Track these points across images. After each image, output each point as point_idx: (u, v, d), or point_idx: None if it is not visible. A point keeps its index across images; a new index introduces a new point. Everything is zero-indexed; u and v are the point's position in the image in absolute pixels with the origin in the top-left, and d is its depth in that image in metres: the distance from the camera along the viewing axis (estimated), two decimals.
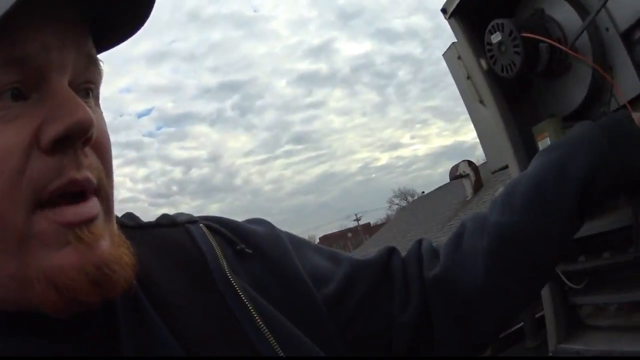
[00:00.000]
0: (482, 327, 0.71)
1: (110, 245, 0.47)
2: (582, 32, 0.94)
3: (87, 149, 0.46)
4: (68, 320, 0.45)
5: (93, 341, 0.49)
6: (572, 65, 1.00)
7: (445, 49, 1.29)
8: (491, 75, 1.08)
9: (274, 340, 0.54)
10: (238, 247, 0.62)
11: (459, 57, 1.24)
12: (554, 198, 0.67)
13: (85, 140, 0.44)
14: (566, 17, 0.98)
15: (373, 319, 0.65)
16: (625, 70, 0.95)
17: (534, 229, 0.67)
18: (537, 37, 0.94)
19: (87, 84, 0.48)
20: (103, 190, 0.48)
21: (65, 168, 0.44)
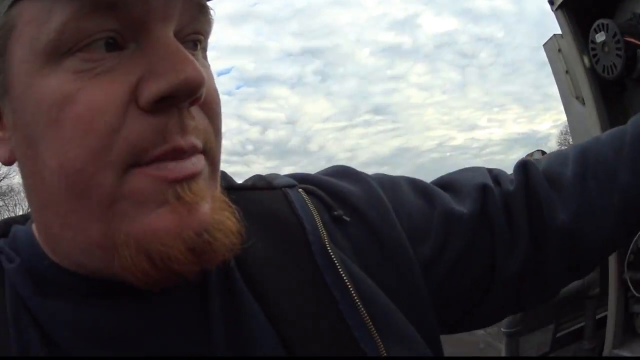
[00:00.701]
0: (589, 269, 0.74)
1: (213, 209, 0.41)
2: None
3: (194, 108, 0.39)
4: (154, 292, 0.40)
5: (180, 319, 0.44)
6: None
7: (531, 37, 1.28)
8: (592, 73, 1.05)
9: (372, 327, 0.49)
10: (336, 213, 0.56)
11: (559, 50, 1.21)
12: None
13: (192, 100, 0.38)
14: None
15: (470, 274, 0.59)
16: None
17: None
18: (638, 42, 0.92)
19: (196, 35, 0.41)
20: (210, 153, 0.42)
21: (168, 132, 0.37)
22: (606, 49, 0.94)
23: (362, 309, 0.49)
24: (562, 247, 0.61)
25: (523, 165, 0.65)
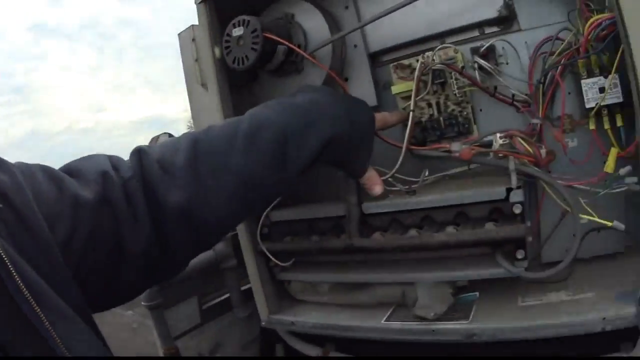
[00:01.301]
0: (212, 243, 0.90)
1: None
2: (325, 45, 1.05)
3: None
4: None
5: None
6: (305, 70, 1.09)
7: (179, 22, 1.28)
8: (220, 63, 1.11)
9: (36, 306, 0.52)
10: None
11: (193, 40, 1.26)
12: (294, 157, 0.78)
13: None
14: (315, 27, 1.09)
15: (101, 254, 0.66)
16: (363, 84, 1.13)
17: (271, 180, 0.78)
18: (278, 39, 1.00)
19: None
20: None
21: None
22: (241, 42, 0.99)
23: (25, 289, 0.52)
24: (180, 225, 0.71)
25: (137, 153, 0.74)
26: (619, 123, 0.90)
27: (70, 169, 0.70)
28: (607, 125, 0.91)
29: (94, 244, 0.64)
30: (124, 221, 0.67)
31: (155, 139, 1.76)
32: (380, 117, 0.99)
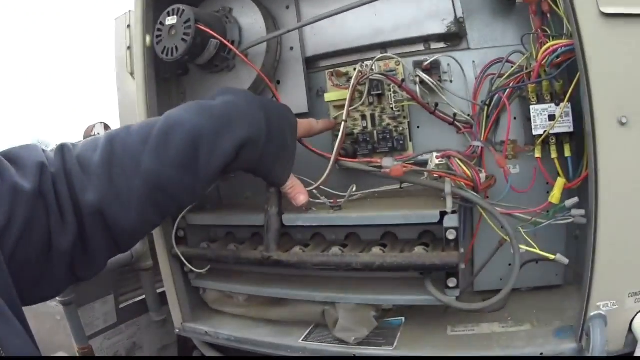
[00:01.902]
0: (129, 245, 0.83)
1: None
2: (259, 43, 0.98)
3: None
4: None
5: None
6: (237, 67, 1.02)
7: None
8: (150, 52, 1.02)
9: None
10: None
11: (129, 26, 1.19)
12: (205, 160, 0.75)
13: None
14: (252, 24, 1.01)
15: (33, 246, 0.65)
16: (295, 89, 1.07)
17: (182, 183, 0.75)
18: (211, 32, 0.92)
19: None
20: None
21: None
22: (173, 32, 0.92)
23: None
24: (96, 224, 0.70)
25: (61, 149, 0.72)
26: (567, 153, 0.87)
27: (10, 156, 0.69)
28: (554, 155, 0.88)
29: (28, 237, 0.64)
30: (54, 216, 0.67)
31: (90, 128, 1.67)
32: (306, 123, 0.94)
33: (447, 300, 0.86)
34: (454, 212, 0.83)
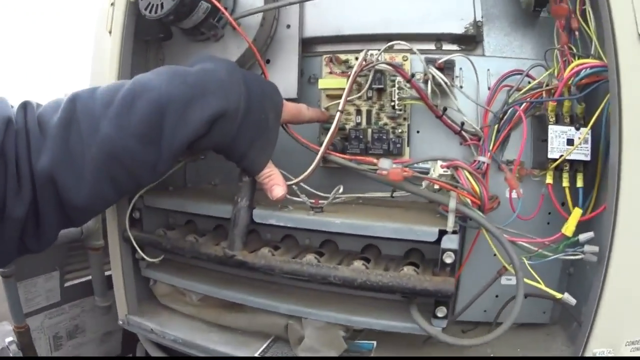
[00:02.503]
0: (82, 221, 0.73)
1: None
2: (253, 13, 0.85)
3: None
4: None
5: None
6: (225, 38, 0.89)
7: None
8: (133, 8, 0.90)
9: None
10: None
11: None
12: (170, 131, 0.65)
13: None
14: None
15: None
16: (286, 70, 0.94)
17: (141, 156, 0.65)
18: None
19: None
20: None
21: None
22: None
23: None
24: (47, 192, 0.63)
25: (24, 107, 0.66)
26: (579, 183, 0.79)
27: None
28: (566, 183, 0.79)
29: None
30: (11, 179, 0.61)
31: None
32: (293, 107, 0.82)
33: (433, 332, 0.74)
34: (454, 232, 0.71)
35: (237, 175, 0.80)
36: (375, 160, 0.76)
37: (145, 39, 0.96)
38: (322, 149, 0.79)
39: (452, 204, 0.71)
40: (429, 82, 0.83)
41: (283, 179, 0.78)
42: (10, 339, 1.16)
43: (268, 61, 0.94)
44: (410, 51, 0.85)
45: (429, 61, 0.84)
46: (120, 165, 0.65)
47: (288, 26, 0.94)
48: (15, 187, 0.61)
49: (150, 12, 0.80)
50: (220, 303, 0.93)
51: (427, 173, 0.74)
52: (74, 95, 0.67)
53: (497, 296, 0.88)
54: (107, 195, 0.68)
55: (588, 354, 0.70)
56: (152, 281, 1.00)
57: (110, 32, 1.04)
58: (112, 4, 1.00)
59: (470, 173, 0.73)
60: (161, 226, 0.95)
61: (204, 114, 0.67)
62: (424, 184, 0.76)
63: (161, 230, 0.92)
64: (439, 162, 0.73)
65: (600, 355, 0.69)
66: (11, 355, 1.14)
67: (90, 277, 1.32)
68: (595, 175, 0.77)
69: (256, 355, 0.85)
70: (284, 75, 0.93)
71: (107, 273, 1.28)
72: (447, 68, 0.85)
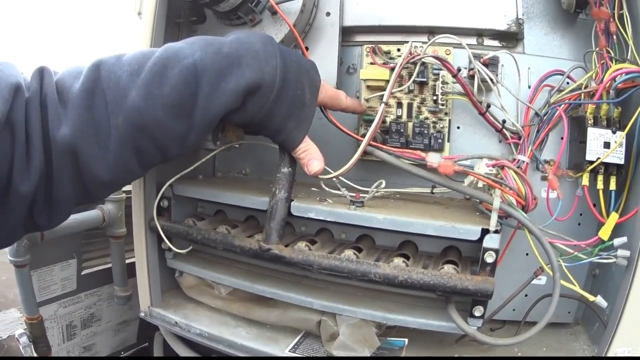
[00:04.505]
0: (100, 195, 0.67)
1: None
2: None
3: None
4: None
5: None
6: (262, 23, 0.83)
7: None
8: None
9: None
10: None
11: None
12: (204, 102, 0.61)
13: None
14: None
15: None
16: (326, 59, 0.87)
17: (171, 127, 0.61)
18: None
19: None
20: None
21: None
22: None
23: None
24: (66, 163, 0.58)
25: (40, 72, 0.60)
26: (612, 186, 0.75)
27: None
28: (600, 185, 0.76)
29: None
30: (19, 151, 0.55)
31: None
32: (332, 91, 0.77)
33: (470, 331, 0.70)
34: (496, 231, 0.67)
35: (267, 164, 0.74)
36: (422, 154, 0.70)
37: (177, 21, 0.90)
38: (365, 140, 0.73)
39: (497, 202, 0.67)
40: (476, 78, 0.78)
41: (320, 154, 0.73)
42: (20, 330, 1.09)
43: (306, 49, 0.88)
44: (456, 45, 0.79)
45: (476, 56, 0.78)
46: (148, 137, 0.60)
47: (328, 14, 0.88)
48: (23, 160, 0.56)
49: None
50: (250, 297, 0.88)
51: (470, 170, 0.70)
52: (98, 61, 0.61)
53: (526, 295, 0.84)
54: (132, 168, 0.63)
55: (611, 353, 0.68)
56: (177, 272, 0.95)
57: (139, 14, 0.98)
58: None
59: (516, 172, 0.68)
60: (189, 216, 0.90)
61: (239, 85, 0.62)
62: (466, 180, 0.71)
63: (191, 221, 0.87)
64: (484, 160, 0.69)
65: (622, 355, 0.68)
66: (21, 347, 1.08)
67: (108, 266, 1.27)
68: (627, 179, 0.75)
69: (286, 351, 0.79)
70: (323, 64, 0.86)
71: (127, 261, 1.23)
72: (492, 64, 0.80)
